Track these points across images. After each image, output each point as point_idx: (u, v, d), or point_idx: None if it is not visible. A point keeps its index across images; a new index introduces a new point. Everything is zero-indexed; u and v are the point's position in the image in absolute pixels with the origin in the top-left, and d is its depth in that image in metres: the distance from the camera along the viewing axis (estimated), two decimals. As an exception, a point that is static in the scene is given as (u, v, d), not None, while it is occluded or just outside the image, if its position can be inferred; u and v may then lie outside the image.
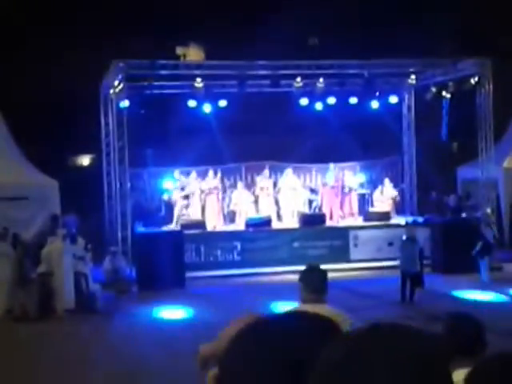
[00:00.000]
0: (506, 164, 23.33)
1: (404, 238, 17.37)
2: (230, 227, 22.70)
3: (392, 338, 1.23)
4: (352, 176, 24.15)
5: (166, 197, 22.53)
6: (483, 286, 17.63)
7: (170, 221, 22.22)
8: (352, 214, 23.69)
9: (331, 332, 1.38)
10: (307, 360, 1.27)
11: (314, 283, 5.45)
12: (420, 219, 21.84)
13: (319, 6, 27.55)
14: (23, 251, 16.54)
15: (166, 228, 21.56)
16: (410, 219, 21.30)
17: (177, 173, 23.15)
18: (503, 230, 22.97)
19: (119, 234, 20.61)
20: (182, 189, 22.76)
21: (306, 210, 23.17)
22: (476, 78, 21.73)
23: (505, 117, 24.36)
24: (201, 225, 21.76)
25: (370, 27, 27.70)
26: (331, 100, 23.46)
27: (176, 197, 22.64)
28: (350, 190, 23.77)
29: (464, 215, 21.61)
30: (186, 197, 22.69)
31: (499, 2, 27.05)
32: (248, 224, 21.86)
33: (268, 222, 22.12)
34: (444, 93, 23.05)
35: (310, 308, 4.40)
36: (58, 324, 15.35)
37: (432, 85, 23.12)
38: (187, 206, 22.63)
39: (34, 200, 20.72)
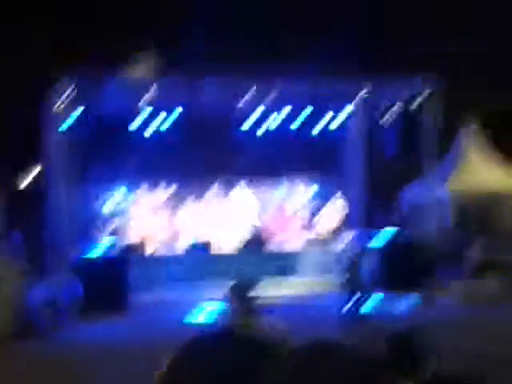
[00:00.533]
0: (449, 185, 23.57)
1: (350, 258, 17.42)
2: (173, 250, 22.54)
3: (331, 358, 1.15)
4: (297, 196, 24.08)
5: (110, 216, 22.25)
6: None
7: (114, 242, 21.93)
8: (297, 236, 23.52)
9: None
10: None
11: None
12: (367, 238, 21.92)
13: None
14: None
15: (110, 248, 21.26)
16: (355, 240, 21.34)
17: (122, 190, 22.94)
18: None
19: (62, 257, 20.22)
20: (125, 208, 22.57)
21: (249, 234, 22.97)
22: (422, 97, 21.84)
23: (450, 136, 24.62)
24: (143, 247, 21.66)
25: (317, 44, 27.78)
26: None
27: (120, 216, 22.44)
28: (298, 210, 23.73)
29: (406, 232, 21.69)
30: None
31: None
32: (190, 248, 21.83)
33: (209, 246, 22.05)
34: (390, 111, 23.13)
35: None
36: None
37: (379, 102, 23.16)
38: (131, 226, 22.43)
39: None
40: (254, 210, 23.64)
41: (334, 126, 24.18)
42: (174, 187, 23.69)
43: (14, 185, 29.24)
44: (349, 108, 24.83)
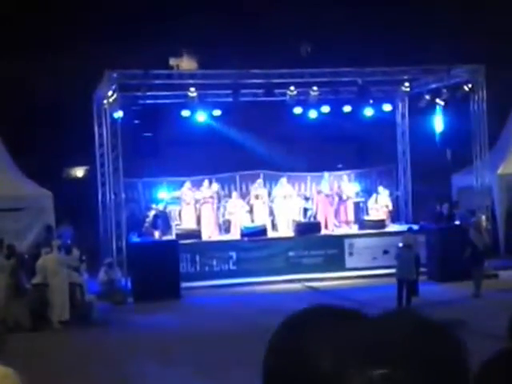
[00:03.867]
0: (500, 171, 23.33)
1: (400, 245, 17.40)
2: (226, 237, 22.63)
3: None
4: (347, 184, 24.12)
5: (160, 207, 22.43)
6: (475, 295, 17.56)
7: (165, 231, 22.15)
8: (347, 223, 23.65)
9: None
10: None
11: None
12: (415, 227, 21.80)
13: (312, 14, 27.60)
14: (18, 262, 16.46)
15: (160, 238, 21.47)
16: (406, 227, 21.26)
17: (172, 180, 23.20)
18: (498, 237, 22.93)
19: (114, 245, 20.52)
20: (178, 199, 22.75)
21: (301, 219, 23.11)
22: (470, 85, 21.75)
23: (499, 123, 24.38)
24: (196, 234, 21.70)
25: (364, 34, 27.73)
26: (325, 109, 23.44)
27: (171, 207, 22.62)
28: (348, 198, 23.73)
29: (457, 223, 21.56)
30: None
31: (492, 9, 27.12)
32: (243, 233, 21.81)
33: (263, 231, 22.07)
34: (438, 100, 23.01)
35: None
36: (52, 335, 15.26)
37: (425, 92, 23.12)
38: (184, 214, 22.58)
39: (29, 211, 20.70)
40: (304, 196, 23.67)
41: (380, 114, 24.10)
42: (222, 177, 23.83)
43: (67, 176, 29.72)
44: (397, 97, 24.81)
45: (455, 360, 1.17)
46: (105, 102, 21.16)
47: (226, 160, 24.29)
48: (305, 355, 1.16)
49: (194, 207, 22.69)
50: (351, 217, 23.78)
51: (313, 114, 23.55)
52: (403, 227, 21.51)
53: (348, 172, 24.91)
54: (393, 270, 17.51)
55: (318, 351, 1.15)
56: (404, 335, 1.16)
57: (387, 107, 24.35)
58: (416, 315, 1.25)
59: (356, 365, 1.12)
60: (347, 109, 23.55)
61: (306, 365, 1.15)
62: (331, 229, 23.12)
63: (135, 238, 20.96)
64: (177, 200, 22.87)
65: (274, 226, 23.27)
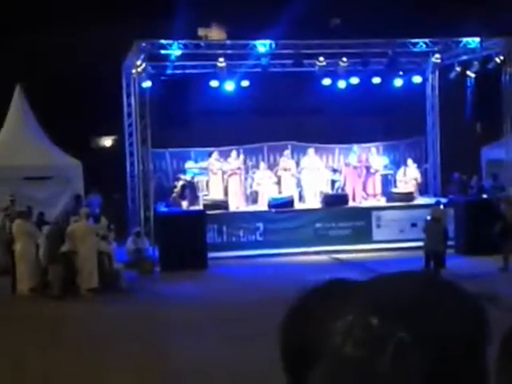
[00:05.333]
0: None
1: (429, 218, 17.32)
2: (253, 208, 22.65)
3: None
4: (375, 157, 24.00)
5: (188, 177, 22.49)
6: (504, 268, 17.46)
7: (193, 201, 22.22)
8: (375, 195, 23.57)
9: None
10: None
11: None
12: (443, 200, 21.68)
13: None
14: (51, 230, 16.66)
15: (188, 208, 21.55)
16: (434, 200, 21.14)
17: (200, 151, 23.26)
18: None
19: (142, 215, 20.64)
20: (205, 169, 22.79)
21: (329, 191, 23.05)
22: (501, 57, 21.47)
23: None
24: (223, 205, 21.74)
25: (394, 5, 27.39)
26: (354, 80, 23.26)
27: (198, 177, 22.65)
28: (376, 170, 23.61)
29: (485, 196, 21.38)
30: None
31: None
32: (270, 205, 21.80)
33: (290, 202, 22.04)
34: (468, 72, 22.74)
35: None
36: (80, 302, 15.43)
37: (456, 64, 22.87)
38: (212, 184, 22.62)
39: (58, 180, 20.89)
40: (332, 168, 23.61)
41: (410, 86, 23.89)
42: (250, 147, 23.81)
43: (96, 146, 29.88)
44: (427, 68, 24.55)
45: (472, 325, 1.10)
46: (133, 71, 21.17)
47: (254, 131, 24.24)
48: (317, 320, 1.15)
49: (222, 178, 22.71)
50: (379, 189, 23.69)
51: (342, 85, 23.38)
52: (431, 200, 21.41)
53: (376, 144, 24.74)
54: (420, 243, 17.46)
55: (329, 316, 1.12)
56: (417, 289, 1.11)
57: (417, 79, 24.10)
58: (432, 274, 1.22)
59: (360, 314, 1.08)
60: (376, 80, 23.36)
61: (318, 326, 1.14)
62: (359, 201, 23.06)
63: (163, 208, 21.04)
64: (204, 171, 22.91)
65: (301, 198, 23.25)
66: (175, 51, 20.67)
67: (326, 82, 22.97)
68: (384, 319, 1.04)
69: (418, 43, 21.85)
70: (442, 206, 19.10)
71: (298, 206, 22.43)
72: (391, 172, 24.03)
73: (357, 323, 1.05)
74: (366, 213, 22.04)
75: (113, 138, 29.25)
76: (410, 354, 1.01)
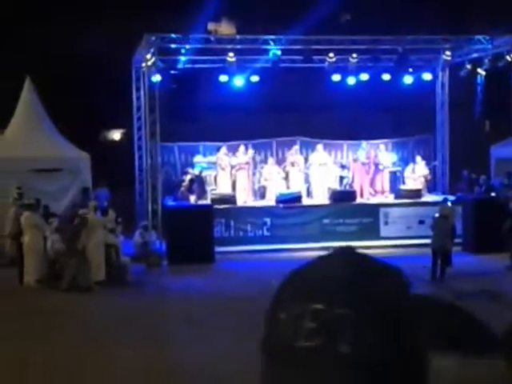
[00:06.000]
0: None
1: (437, 215, 17.29)
2: (261, 203, 22.64)
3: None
4: (384, 153, 23.96)
5: (196, 171, 22.51)
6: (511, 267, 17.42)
7: (201, 195, 22.24)
8: (383, 192, 23.55)
9: None
10: None
11: None
12: (451, 197, 21.63)
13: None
14: (58, 223, 16.72)
15: (196, 202, 21.56)
16: (442, 197, 21.11)
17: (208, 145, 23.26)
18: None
19: (149, 208, 20.69)
20: (213, 164, 22.80)
21: (337, 187, 23.03)
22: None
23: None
24: (231, 199, 21.74)
25: (404, 2, 27.34)
26: (364, 76, 23.23)
27: (206, 171, 22.67)
28: (384, 167, 23.58)
29: (493, 194, 21.32)
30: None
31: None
32: (278, 200, 21.79)
33: (298, 198, 22.03)
34: (479, 70, 22.66)
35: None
36: (87, 295, 15.47)
37: (467, 62, 22.80)
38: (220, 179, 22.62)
39: (66, 173, 20.92)
40: (340, 164, 23.59)
41: (420, 83, 23.84)
42: (258, 142, 23.80)
43: (104, 139, 29.92)
44: (437, 66, 24.49)
45: (396, 296, 1.14)
46: (143, 65, 21.21)
47: (263, 126, 24.24)
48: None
49: (230, 172, 22.73)
50: (387, 186, 23.66)
51: (351, 81, 23.35)
52: (439, 197, 21.37)
53: (385, 141, 24.70)
54: (428, 240, 17.44)
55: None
56: (339, 270, 1.14)
57: (427, 76, 24.05)
58: (353, 253, 1.24)
59: (288, 300, 1.11)
60: (386, 77, 23.30)
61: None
62: (366, 197, 23.04)
63: (171, 202, 21.07)
64: (213, 165, 22.93)
65: (309, 194, 23.24)
66: (185, 45, 20.68)
67: (336, 78, 22.95)
68: (329, 304, 1.05)
69: (428, 40, 21.79)
70: (449, 204, 19.08)
71: (305, 201, 22.42)
72: (399, 169, 24.01)
73: (304, 314, 1.05)
74: (373, 209, 22.01)
75: (122, 131, 29.29)
76: (365, 331, 1.02)
